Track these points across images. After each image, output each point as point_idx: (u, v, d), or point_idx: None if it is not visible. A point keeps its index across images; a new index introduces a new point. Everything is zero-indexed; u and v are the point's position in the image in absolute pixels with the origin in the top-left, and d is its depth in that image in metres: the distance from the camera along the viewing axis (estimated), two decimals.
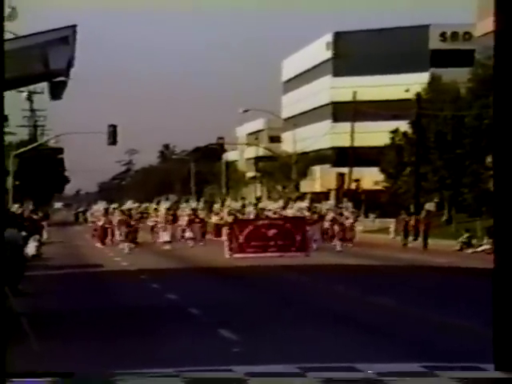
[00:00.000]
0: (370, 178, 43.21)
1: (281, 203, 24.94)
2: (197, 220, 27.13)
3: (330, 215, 25.26)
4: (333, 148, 48.99)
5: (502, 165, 4.87)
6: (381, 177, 40.18)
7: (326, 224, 25.52)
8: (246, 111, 48.80)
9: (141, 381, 4.68)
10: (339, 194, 43.07)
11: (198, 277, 15.57)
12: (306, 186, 50.63)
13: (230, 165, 61.42)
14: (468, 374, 4.91)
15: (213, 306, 10.77)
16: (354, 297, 11.63)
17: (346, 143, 43.50)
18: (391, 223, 36.11)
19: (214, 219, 27.96)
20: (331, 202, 28.10)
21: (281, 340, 7.85)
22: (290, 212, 23.37)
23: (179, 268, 17.70)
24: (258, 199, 35.49)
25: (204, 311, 10.10)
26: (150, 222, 28.65)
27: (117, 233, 25.71)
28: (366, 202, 42.07)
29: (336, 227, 23.84)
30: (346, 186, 43.54)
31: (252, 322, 9.17)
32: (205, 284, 14.16)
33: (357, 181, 43.56)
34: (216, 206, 29.84)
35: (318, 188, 49.17)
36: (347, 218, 24.18)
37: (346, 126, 44.19)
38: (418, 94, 36.44)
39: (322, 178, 49.07)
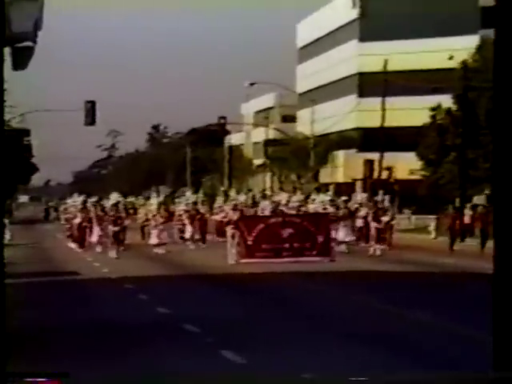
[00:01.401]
0: (405, 165, 42.84)
1: (300, 196, 24.44)
2: (197, 216, 26.84)
3: (363, 211, 24.75)
4: (359, 129, 48.60)
5: (503, 163, 5.33)
6: (418, 164, 39.81)
7: (359, 222, 25.04)
8: (252, 84, 48.31)
9: (140, 381, 5.19)
10: (367, 186, 42.72)
11: (197, 287, 15.48)
12: (326, 176, 50.28)
13: (234, 150, 61.13)
14: (468, 374, 5.62)
15: (214, 322, 10.70)
16: (398, 314, 11.37)
17: (375, 123, 43.03)
18: (431, 221, 35.78)
19: (217, 216, 27.49)
20: (364, 194, 27.52)
21: (296, 366, 7.70)
22: (311, 207, 22.91)
23: (174, 276, 17.57)
24: (265, 191, 35.19)
25: (202, 329, 10.04)
26: (139, 220, 28.35)
27: (97, 233, 25.30)
28: (400, 195, 41.64)
29: (373, 226, 23.19)
30: (375, 176, 43.15)
31: (261, 343, 9.11)
32: (205, 296, 14.08)
33: (388, 169, 43.13)
34: (219, 200, 29.52)
35: (340, 178, 48.82)
36: (383, 215, 23.52)
37: (374, 102, 43.74)
38: (465, 62, 35.94)
39: (345, 165, 48.70)
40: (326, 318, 11.09)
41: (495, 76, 5.30)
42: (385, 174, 42.88)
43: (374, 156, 43.26)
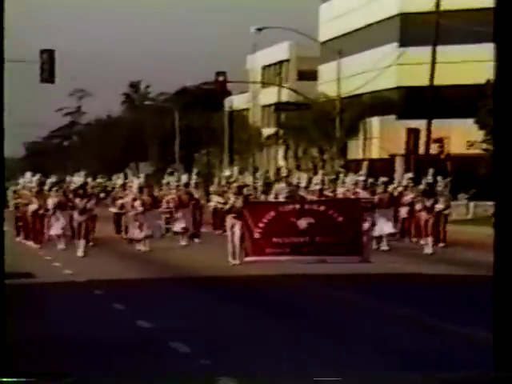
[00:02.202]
0: (461, 136, 42.57)
1: (323, 177, 24.04)
2: (190, 203, 26.58)
3: (409, 196, 24.24)
4: (400, 88, 48.30)
5: (504, 158, 6.26)
6: (478, 134, 39.52)
7: (403, 211, 24.53)
8: (260, 30, 47.92)
9: (140, 381, 5.83)
10: (410, 163, 42.47)
11: (188, 294, 15.44)
12: (356, 150, 50.12)
13: (237, 116, 60.84)
14: (468, 374, 6.22)
15: (209, 341, 10.69)
16: (454, 333, 11.34)
17: (422, 80, 42.69)
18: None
19: (215, 202, 27.16)
20: (409, 174, 27.12)
21: None
22: (339, 191, 22.63)
23: (158, 280, 17.52)
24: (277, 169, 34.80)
25: (195, 348, 10.03)
26: (113, 208, 28.07)
27: (58, 224, 25.09)
28: (455, 176, 41.42)
29: (422, 216, 22.72)
30: (421, 150, 42.86)
31: (269, 369, 9.13)
32: (197, 306, 14.10)
33: (439, 141, 42.77)
34: (218, 182, 29.25)
35: (375, 153, 48.65)
36: (436, 202, 23.12)
37: (421, 53, 43.36)
38: None
39: (382, 136, 48.49)
40: (356, 339, 10.98)
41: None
42: (434, 148, 42.54)
43: (420, 124, 42.93)
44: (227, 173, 23.59)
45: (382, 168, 40.11)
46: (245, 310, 13.60)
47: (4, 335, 6.62)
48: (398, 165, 45.44)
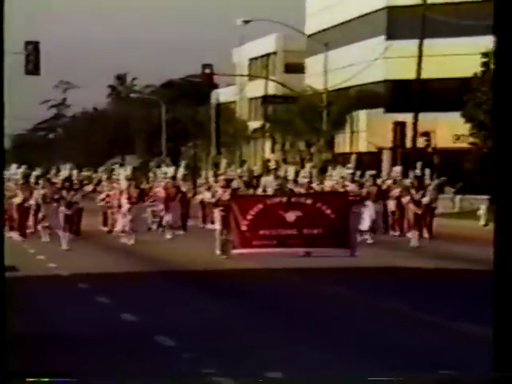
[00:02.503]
0: (448, 129, 42.62)
1: (311, 170, 23.96)
2: (179, 195, 26.40)
3: (397, 190, 24.20)
4: (387, 81, 48.30)
5: (505, 156, 6.41)
6: (465, 128, 39.56)
7: (391, 204, 24.54)
8: (247, 23, 47.80)
9: (141, 381, 6.31)
10: (397, 156, 42.47)
11: (174, 287, 15.36)
12: (343, 144, 50.07)
13: (224, 109, 60.70)
14: (468, 374, 6.72)
15: (195, 334, 10.65)
16: (443, 328, 11.20)
17: (409, 73, 42.69)
18: (482, 202, 35.63)
19: (203, 195, 27.03)
20: (398, 168, 27.05)
21: None
22: (327, 184, 22.58)
23: (144, 273, 17.41)
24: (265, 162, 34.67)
25: (181, 342, 9.96)
26: (100, 201, 27.82)
27: (43, 217, 24.92)
28: (441, 169, 41.43)
29: (410, 209, 22.63)
30: (407, 144, 42.88)
31: (254, 362, 9.05)
32: (183, 299, 14.00)
33: (426, 134, 42.81)
34: (205, 175, 29.07)
35: (362, 146, 48.65)
36: (423, 196, 23.00)
37: (408, 46, 43.35)
38: None
39: (369, 129, 48.49)
40: (342, 332, 10.91)
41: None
42: (421, 142, 42.54)
43: (407, 117, 42.95)
44: (222, 163, 23.50)
45: (369, 161, 40.09)
46: (229, 302, 13.50)
47: (4, 335, 6.50)
48: (385, 158, 45.46)
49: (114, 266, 18.38)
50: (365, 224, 22.97)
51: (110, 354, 9.57)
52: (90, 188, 30.81)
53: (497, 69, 6.44)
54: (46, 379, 5.55)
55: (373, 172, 25.14)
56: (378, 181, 25.02)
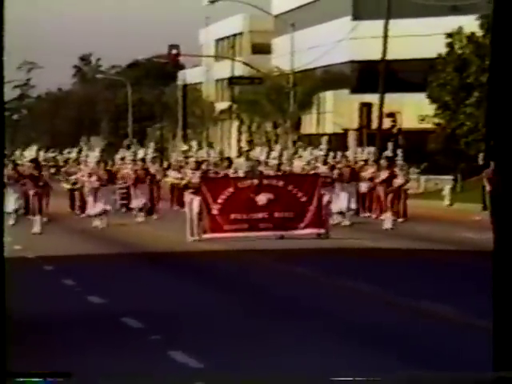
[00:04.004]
0: (413, 110, 42.70)
1: (281, 151, 23.84)
2: (148, 177, 26.16)
3: (369, 171, 24.09)
4: (353, 62, 48.25)
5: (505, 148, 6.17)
6: (430, 109, 39.68)
7: (363, 186, 24.35)
8: (213, 2, 47.48)
9: (141, 381, 6.28)
10: (363, 137, 42.55)
11: (143, 270, 15.24)
12: (309, 125, 50.03)
13: (190, 90, 60.37)
14: (468, 374, 6.57)
15: (162, 316, 10.59)
16: (411, 309, 11.18)
17: (375, 54, 42.65)
18: (446, 183, 35.85)
19: (172, 177, 26.87)
20: (371, 148, 26.88)
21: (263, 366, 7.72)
22: (296, 165, 22.45)
23: (113, 255, 17.30)
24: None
25: (148, 323, 9.94)
26: (67, 183, 27.48)
27: (9, 199, 24.52)
28: (407, 150, 41.54)
29: (381, 191, 22.59)
30: (374, 125, 42.95)
31: (221, 342, 9.05)
32: (152, 281, 13.92)
33: (391, 115, 42.84)
34: (175, 156, 28.86)
35: (329, 127, 48.65)
36: (394, 177, 22.94)
37: (374, 26, 43.32)
38: None
39: (335, 110, 48.48)
40: (310, 314, 10.87)
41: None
42: (387, 122, 42.65)
43: (373, 98, 42.96)
44: (184, 147, 23.22)
45: (335, 142, 40.07)
46: (198, 285, 13.42)
47: (4, 336, 6.48)
48: (351, 139, 45.49)
49: (80, 248, 18.21)
50: (338, 205, 22.81)
51: (76, 336, 9.51)
52: (54, 170, 30.44)
53: (492, 61, 6.37)
54: (46, 379, 5.50)
55: (347, 153, 25.00)
56: (351, 162, 24.90)
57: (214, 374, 7.61)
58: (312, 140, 44.74)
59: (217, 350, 8.67)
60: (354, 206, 23.72)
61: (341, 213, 22.94)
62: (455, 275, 14.37)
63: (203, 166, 20.73)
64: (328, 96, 49.25)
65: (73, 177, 26.92)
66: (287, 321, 10.34)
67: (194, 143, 24.12)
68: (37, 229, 21.61)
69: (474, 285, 12.66)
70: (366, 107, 43.30)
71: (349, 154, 26.52)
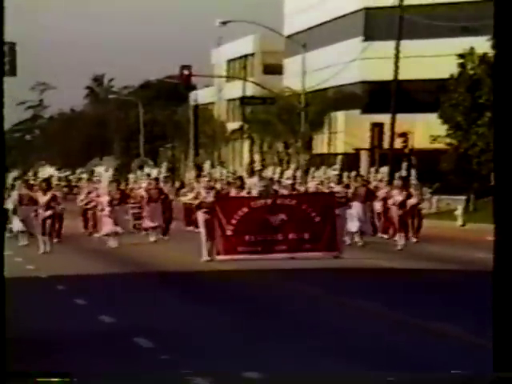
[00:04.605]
0: (425, 130, 42.68)
1: (295, 171, 23.65)
2: (161, 197, 26.02)
3: (383, 191, 23.76)
4: (364, 82, 48.33)
5: (504, 159, 6.49)
6: (442, 129, 39.64)
7: (377, 206, 24.13)
8: (225, 24, 47.69)
9: (140, 381, 6.45)
10: (375, 157, 42.50)
11: (155, 290, 15.20)
12: (321, 145, 50.04)
13: (202, 110, 60.57)
14: (468, 375, 6.78)
15: (175, 336, 10.56)
16: (421, 328, 11.09)
17: (386, 75, 42.71)
18: (458, 202, 35.72)
19: (186, 197, 26.82)
20: (385, 168, 26.71)
21: None
22: (311, 185, 22.24)
23: (125, 275, 17.27)
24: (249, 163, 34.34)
25: (159, 343, 9.91)
26: (81, 202, 27.27)
27: (21, 219, 24.46)
28: (419, 170, 41.42)
29: (394, 211, 22.23)
30: (385, 144, 42.93)
31: (229, 363, 9.02)
32: (164, 302, 13.86)
33: (403, 135, 42.84)
34: (188, 176, 28.87)
35: (340, 147, 48.66)
36: (409, 197, 22.61)
37: (385, 48, 43.41)
38: None
39: (347, 131, 48.51)
40: (321, 334, 10.79)
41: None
42: (398, 143, 42.62)
43: (385, 118, 42.96)
44: (206, 166, 23.18)
45: (347, 162, 40.06)
46: (211, 305, 13.32)
47: (3, 336, 6.54)
48: (363, 159, 45.45)
49: (93, 269, 18.17)
50: (354, 225, 22.62)
51: (88, 355, 9.49)
52: (67, 189, 30.44)
53: (496, 70, 6.42)
54: (46, 379, 5.54)
55: (361, 173, 24.83)
56: (366, 181, 24.65)
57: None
58: (324, 160, 44.70)
59: (226, 369, 8.61)
60: (369, 226, 23.54)
61: (356, 233, 22.77)
62: (466, 295, 14.29)
63: (217, 186, 20.63)
64: (339, 116, 49.29)
65: (86, 196, 26.87)
66: (296, 341, 10.28)
67: (207, 163, 24.09)
68: (42, 250, 21.43)
69: (484, 305, 12.60)
70: (377, 127, 43.28)
71: (363, 173, 26.41)
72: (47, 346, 10.19)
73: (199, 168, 27.17)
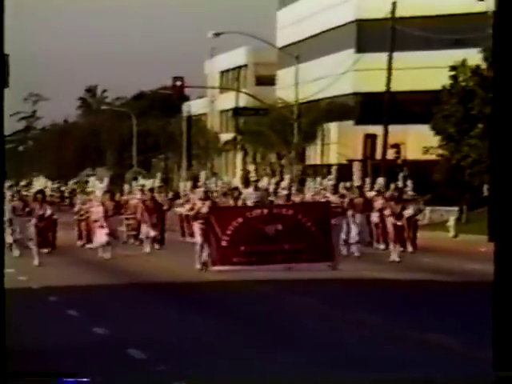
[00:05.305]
0: (417, 141, 42.71)
1: (290, 182, 23.51)
2: (157, 207, 25.87)
3: (379, 202, 23.63)
4: (357, 94, 48.36)
5: (501, 163, 6.50)
6: (434, 140, 39.67)
7: (374, 216, 24.01)
8: (218, 35, 47.72)
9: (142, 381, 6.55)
10: (367, 168, 42.54)
11: (149, 302, 15.11)
12: (314, 156, 50.05)
13: (195, 121, 60.59)
14: (468, 375, 6.85)
15: (166, 348, 10.42)
16: (419, 340, 11.01)
17: (379, 86, 42.77)
18: (451, 214, 35.70)
19: (181, 208, 26.74)
20: (381, 179, 26.75)
21: None
22: (307, 196, 22.11)
23: (119, 286, 17.18)
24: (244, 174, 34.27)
25: (152, 354, 9.88)
26: (75, 214, 27.07)
27: (14, 230, 24.35)
28: (411, 181, 41.39)
29: (390, 222, 22.03)
30: (378, 155, 42.96)
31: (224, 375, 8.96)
32: (158, 313, 13.76)
33: (396, 146, 42.89)
34: (183, 186, 28.80)
35: (333, 158, 48.67)
36: (404, 208, 22.47)
37: (378, 59, 43.48)
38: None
39: (339, 142, 48.53)
40: (317, 347, 10.70)
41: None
42: (391, 154, 42.66)
43: (377, 130, 43.02)
44: (202, 177, 23.10)
45: (339, 173, 40.05)
46: (204, 316, 13.22)
47: (3, 336, 6.56)
48: (356, 170, 45.46)
49: (86, 280, 18.08)
50: (351, 236, 22.46)
51: (78, 366, 9.43)
52: (59, 200, 30.33)
53: (495, 75, 6.42)
54: (46, 379, 5.52)
55: (358, 183, 24.80)
56: (368, 193, 24.35)
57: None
58: (317, 170, 44.67)
59: (220, 380, 8.56)
60: (366, 236, 23.44)
61: (352, 243, 22.63)
62: (460, 306, 14.25)
63: (212, 196, 20.55)
64: (332, 127, 49.33)
65: (79, 207, 26.73)
66: (291, 352, 10.22)
67: (202, 173, 24.05)
68: (37, 261, 21.22)
69: (479, 316, 12.57)
70: (370, 138, 43.32)
71: (356, 183, 26.40)
72: (39, 356, 10.11)
73: (195, 179, 27.10)
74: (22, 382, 5.90)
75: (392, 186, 23.96)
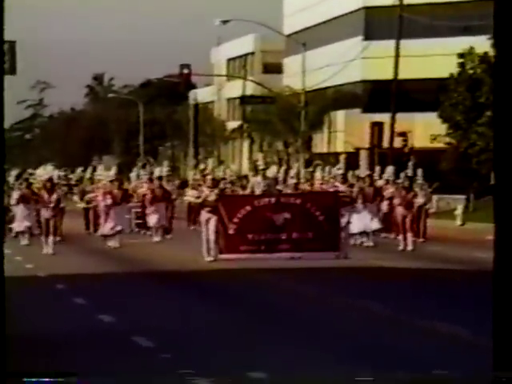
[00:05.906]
0: (424, 129, 42.60)
1: (297, 170, 23.33)
2: (165, 195, 25.71)
3: (389, 190, 23.37)
4: (364, 82, 48.19)
5: (504, 158, 6.49)
6: (442, 128, 39.55)
7: (384, 205, 23.75)
8: (225, 23, 47.55)
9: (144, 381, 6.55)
10: (374, 157, 42.43)
11: (156, 290, 15.07)
12: (321, 144, 49.96)
13: (202, 109, 60.43)
14: (468, 375, 6.82)
15: (173, 336, 10.40)
16: (426, 331, 10.97)
17: (386, 74, 42.61)
18: (458, 202, 35.60)
19: (189, 196, 26.69)
20: (391, 167, 26.62)
21: None
22: (317, 185, 21.89)
23: (125, 274, 17.15)
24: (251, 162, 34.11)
25: (159, 342, 9.83)
26: (81, 202, 26.74)
27: (22, 219, 24.23)
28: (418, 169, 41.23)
29: (399, 211, 21.77)
30: (385, 144, 42.83)
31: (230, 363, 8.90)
32: (165, 300, 13.74)
33: (403, 134, 42.73)
34: (191, 175, 28.69)
35: (340, 146, 48.57)
36: (414, 196, 22.28)
37: (385, 47, 43.31)
38: None
39: (346, 130, 48.41)
40: (324, 334, 10.67)
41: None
42: (398, 142, 42.52)
43: (384, 118, 42.88)
44: (202, 165, 22.97)
45: (347, 161, 39.98)
46: (211, 304, 13.20)
47: (4, 336, 6.49)
48: (363, 158, 45.37)
49: (93, 268, 18.07)
50: (361, 225, 22.27)
51: (86, 354, 9.40)
52: (66, 188, 30.23)
53: (496, 69, 6.35)
54: (46, 379, 5.48)
55: (369, 172, 24.61)
56: (378, 181, 24.13)
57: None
58: (324, 159, 44.60)
59: (227, 368, 8.52)
60: (377, 225, 23.17)
61: (363, 233, 22.48)
62: (466, 295, 14.22)
63: (220, 185, 20.49)
64: (339, 115, 49.20)
65: (87, 196, 26.65)
66: (298, 342, 10.17)
67: (210, 161, 23.91)
68: (50, 250, 21.11)
69: (485, 304, 12.49)
70: (377, 126, 43.19)
71: (364, 172, 26.22)
72: (46, 345, 10.09)
73: (200, 167, 27.00)
74: (21, 382, 5.87)
75: (402, 174, 23.81)
